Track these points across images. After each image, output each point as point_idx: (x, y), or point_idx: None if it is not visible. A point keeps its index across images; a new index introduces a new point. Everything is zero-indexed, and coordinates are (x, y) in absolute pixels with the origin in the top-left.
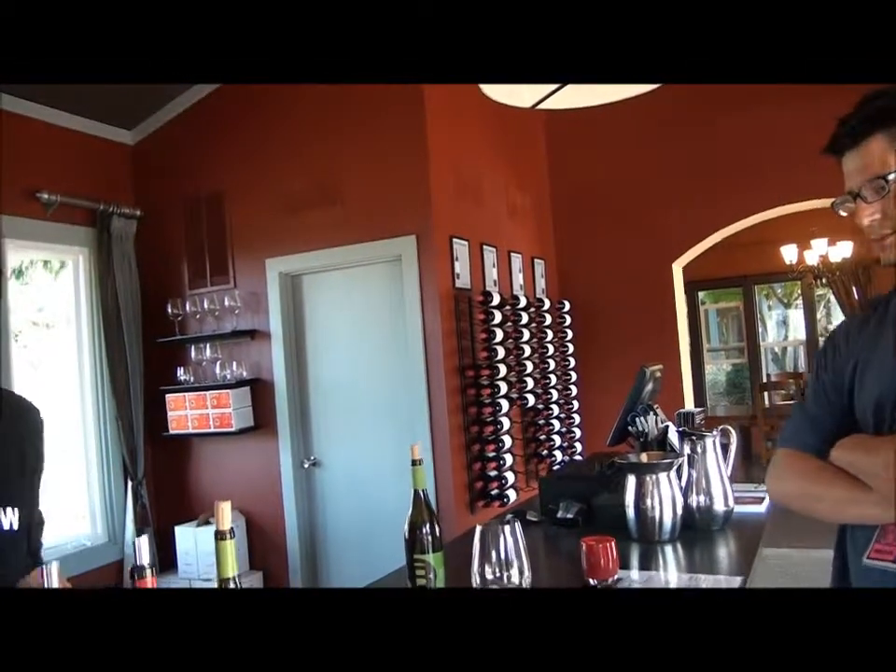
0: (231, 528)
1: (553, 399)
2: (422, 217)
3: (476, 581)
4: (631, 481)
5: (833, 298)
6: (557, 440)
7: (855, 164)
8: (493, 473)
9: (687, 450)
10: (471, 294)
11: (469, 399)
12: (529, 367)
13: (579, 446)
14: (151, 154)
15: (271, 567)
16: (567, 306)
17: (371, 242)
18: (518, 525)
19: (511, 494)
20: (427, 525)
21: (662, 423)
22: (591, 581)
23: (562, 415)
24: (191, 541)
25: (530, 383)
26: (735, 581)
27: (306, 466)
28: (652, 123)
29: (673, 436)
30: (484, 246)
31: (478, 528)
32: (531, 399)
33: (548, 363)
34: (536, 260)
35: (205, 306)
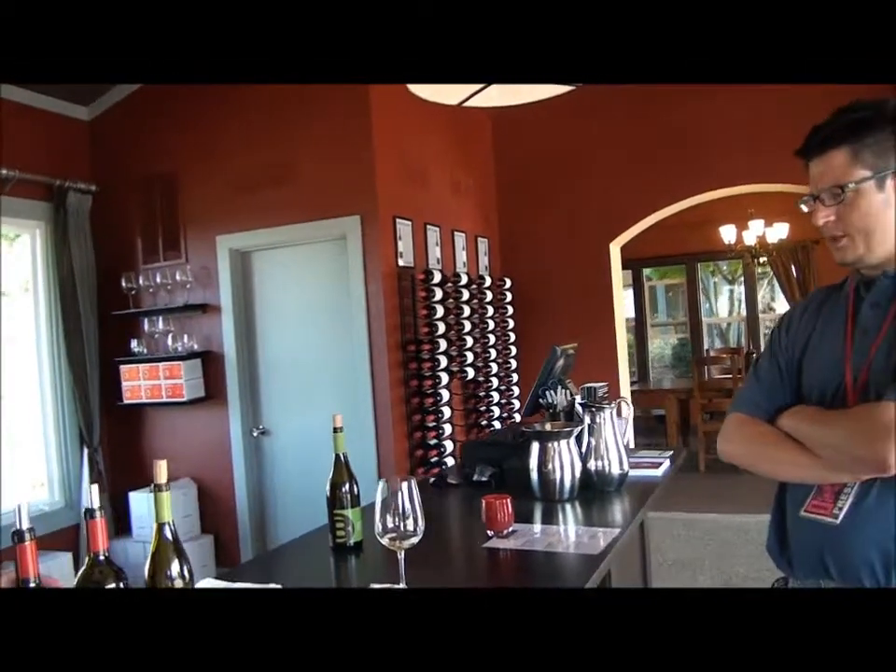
0: (168, 482)
1: (493, 372)
2: (366, 198)
3: (378, 528)
4: (535, 447)
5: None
6: (497, 410)
7: (819, 170)
8: (432, 442)
9: (587, 420)
10: (414, 272)
11: (411, 372)
12: (469, 342)
13: (518, 417)
14: (107, 131)
15: (221, 531)
16: (509, 283)
17: (317, 221)
18: (414, 482)
19: (450, 461)
20: (347, 485)
21: (570, 396)
22: (489, 532)
23: (502, 387)
24: (145, 506)
25: (470, 357)
26: (613, 533)
27: (255, 434)
28: (597, 105)
29: (579, 408)
30: (428, 226)
31: (380, 483)
32: (471, 372)
33: (488, 338)
34: (479, 239)
35: (158, 280)
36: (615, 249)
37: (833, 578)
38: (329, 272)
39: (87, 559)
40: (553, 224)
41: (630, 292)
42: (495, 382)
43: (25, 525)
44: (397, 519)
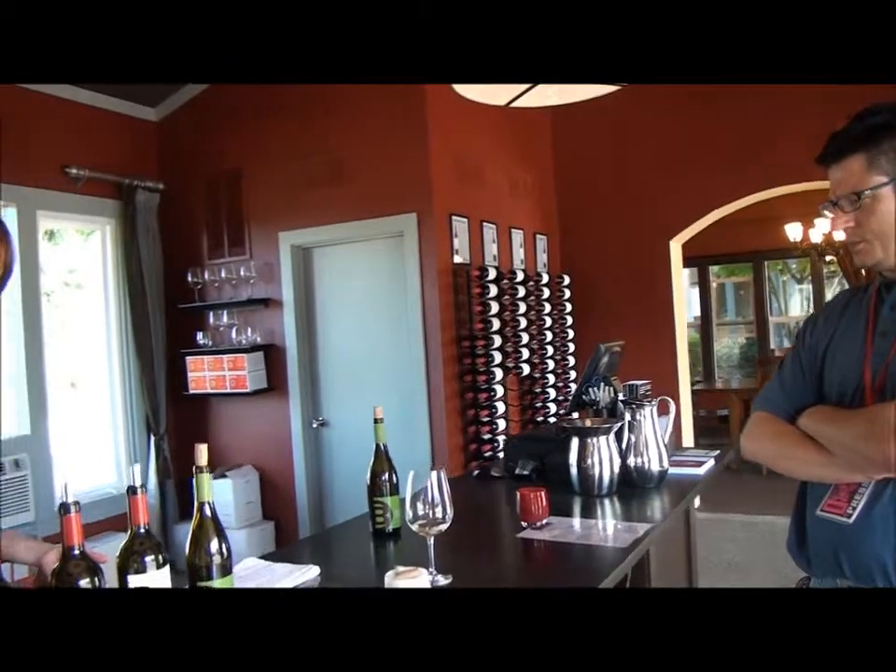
0: (208, 464)
1: (550, 369)
2: (422, 196)
3: (409, 515)
4: (575, 442)
5: None
6: (553, 407)
7: (837, 177)
8: (486, 437)
9: (628, 417)
10: (469, 269)
11: (466, 367)
12: (525, 338)
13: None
14: (174, 131)
15: (282, 517)
16: (567, 280)
17: (375, 219)
18: (443, 473)
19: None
20: (386, 474)
21: (613, 393)
22: (523, 523)
23: (559, 384)
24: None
25: (526, 353)
26: (644, 528)
27: (315, 425)
28: (658, 100)
29: (621, 405)
30: (484, 223)
31: (411, 473)
32: (526, 368)
33: (545, 335)
34: (538, 236)
35: (223, 275)
36: (676, 246)
37: (847, 577)
38: (386, 268)
39: (129, 531)
40: (613, 221)
41: (696, 290)
42: (551, 378)
43: (70, 500)
44: (426, 507)
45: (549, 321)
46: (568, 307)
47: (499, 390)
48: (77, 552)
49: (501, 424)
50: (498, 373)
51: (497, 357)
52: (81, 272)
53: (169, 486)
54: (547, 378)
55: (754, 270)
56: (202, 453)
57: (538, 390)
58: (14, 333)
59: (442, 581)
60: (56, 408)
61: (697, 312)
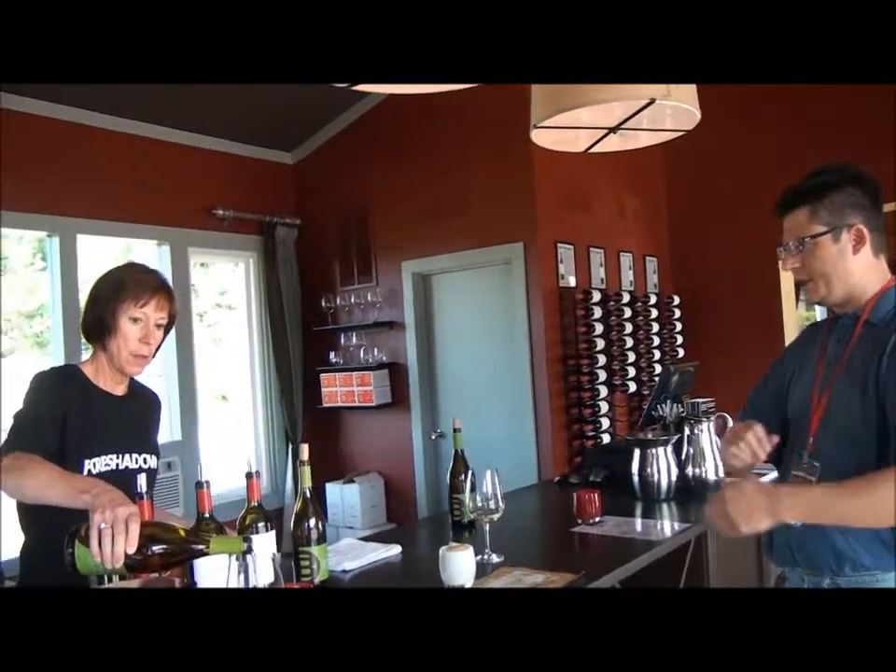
0: (309, 458)
1: None
2: (528, 226)
3: (469, 506)
4: (637, 453)
5: None
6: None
7: (787, 226)
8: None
9: (687, 431)
10: (575, 292)
11: (570, 384)
12: (632, 357)
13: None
14: (309, 172)
15: (404, 521)
16: (677, 300)
17: (486, 248)
18: (496, 473)
19: None
20: (463, 475)
21: (680, 410)
22: (579, 520)
23: None
24: (339, 496)
25: (632, 371)
26: (683, 526)
27: (434, 437)
28: (769, 123)
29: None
30: (591, 248)
31: (469, 473)
32: (632, 386)
33: (653, 353)
34: (647, 258)
35: (353, 300)
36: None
37: (800, 566)
38: (496, 293)
39: (246, 505)
40: (725, 241)
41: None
42: None
43: (204, 479)
44: (482, 500)
45: (657, 340)
46: (678, 326)
47: (604, 406)
48: (207, 516)
49: (605, 438)
50: (603, 390)
51: (602, 375)
52: (232, 293)
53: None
54: None
55: None
56: (304, 451)
57: (644, 406)
58: (169, 350)
59: (496, 559)
60: (207, 417)
61: None
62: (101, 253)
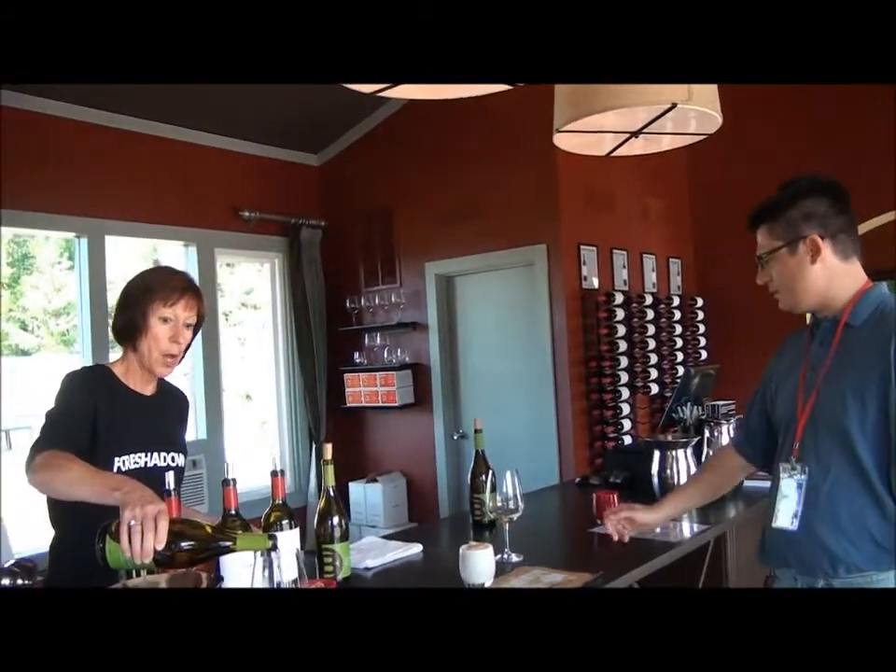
0: (332, 458)
1: None
2: (551, 228)
3: (489, 506)
4: (657, 455)
5: None
6: None
7: (758, 241)
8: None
9: (706, 433)
10: (597, 294)
11: (592, 386)
12: (654, 358)
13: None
14: (334, 175)
15: (426, 520)
16: (700, 302)
17: (509, 249)
18: (516, 474)
19: None
20: (484, 475)
21: (700, 412)
22: (598, 520)
23: None
24: (361, 494)
25: (654, 373)
26: (701, 527)
27: (456, 437)
28: (793, 124)
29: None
30: (614, 250)
31: (489, 474)
32: (654, 388)
33: (675, 355)
34: (671, 260)
35: (377, 302)
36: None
37: (795, 568)
38: (519, 294)
39: (271, 502)
40: (749, 242)
41: None
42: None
43: (231, 476)
44: (502, 500)
45: (680, 342)
46: (702, 328)
47: (625, 408)
48: (233, 512)
49: (627, 439)
50: (625, 392)
51: (624, 377)
52: (257, 292)
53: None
54: None
55: None
56: (327, 450)
57: (666, 407)
58: (195, 349)
59: (515, 558)
60: (232, 416)
61: None
62: (128, 254)
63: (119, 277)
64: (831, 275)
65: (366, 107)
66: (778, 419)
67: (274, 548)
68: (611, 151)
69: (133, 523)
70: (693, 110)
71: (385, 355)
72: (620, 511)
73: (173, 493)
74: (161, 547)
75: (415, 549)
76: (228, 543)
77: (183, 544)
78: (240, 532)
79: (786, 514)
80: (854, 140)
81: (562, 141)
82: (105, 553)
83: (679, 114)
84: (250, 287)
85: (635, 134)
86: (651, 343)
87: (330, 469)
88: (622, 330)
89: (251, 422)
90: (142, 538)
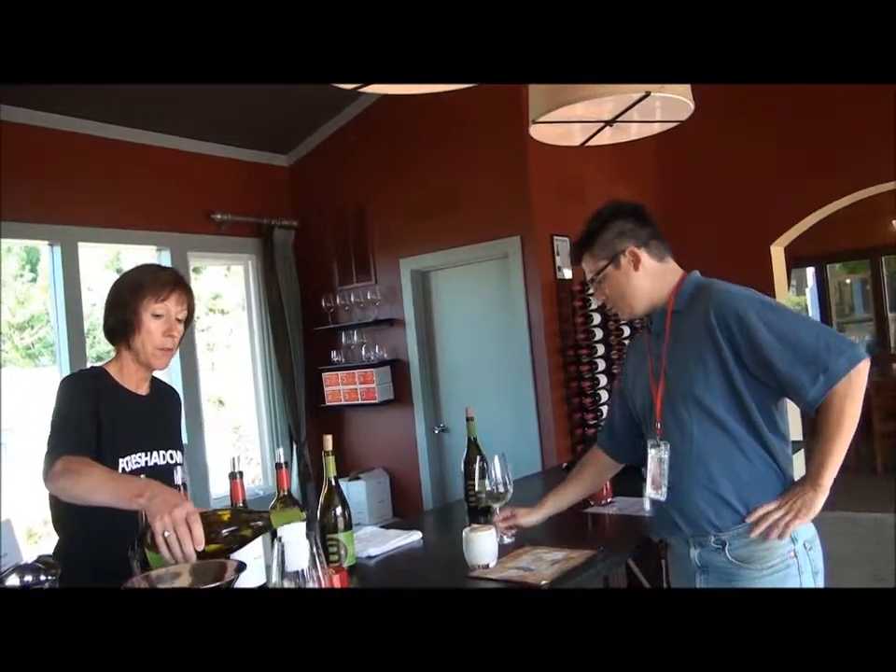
0: (332, 449)
1: None
2: (524, 221)
3: (478, 489)
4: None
5: None
6: None
7: (584, 269)
8: (593, 437)
9: None
10: (572, 284)
11: (571, 374)
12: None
13: None
14: (304, 174)
15: (410, 515)
16: None
17: (483, 243)
18: (504, 458)
19: None
20: (477, 462)
21: None
22: (591, 502)
23: None
24: (345, 492)
25: None
26: None
27: (437, 431)
28: (763, 115)
29: None
30: None
31: (478, 458)
32: None
33: None
34: None
35: (352, 300)
36: (777, 251)
37: (682, 530)
38: (494, 287)
39: (277, 494)
40: (713, 230)
41: (813, 290)
42: None
43: (237, 470)
44: (491, 485)
45: None
46: None
47: (604, 395)
48: (240, 505)
49: None
50: (603, 380)
51: (601, 365)
52: (224, 298)
53: (309, 489)
54: None
55: (871, 266)
56: (328, 441)
57: None
58: None
59: (507, 539)
60: (207, 422)
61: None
62: (90, 263)
63: (86, 287)
64: (653, 277)
65: (334, 105)
66: (640, 411)
67: (308, 521)
68: (585, 142)
69: (167, 534)
70: (661, 98)
71: (363, 352)
72: (504, 516)
73: (181, 488)
74: (200, 548)
75: (415, 536)
76: (261, 522)
77: (224, 532)
78: (271, 510)
79: (654, 486)
80: (830, 125)
81: (538, 132)
82: (148, 563)
83: (647, 102)
84: (217, 292)
85: (609, 123)
86: (627, 331)
87: (331, 460)
88: (597, 319)
89: (226, 426)
90: (180, 544)
